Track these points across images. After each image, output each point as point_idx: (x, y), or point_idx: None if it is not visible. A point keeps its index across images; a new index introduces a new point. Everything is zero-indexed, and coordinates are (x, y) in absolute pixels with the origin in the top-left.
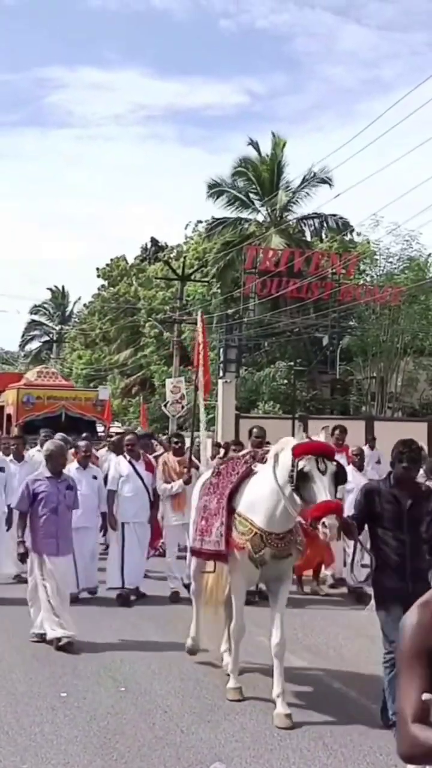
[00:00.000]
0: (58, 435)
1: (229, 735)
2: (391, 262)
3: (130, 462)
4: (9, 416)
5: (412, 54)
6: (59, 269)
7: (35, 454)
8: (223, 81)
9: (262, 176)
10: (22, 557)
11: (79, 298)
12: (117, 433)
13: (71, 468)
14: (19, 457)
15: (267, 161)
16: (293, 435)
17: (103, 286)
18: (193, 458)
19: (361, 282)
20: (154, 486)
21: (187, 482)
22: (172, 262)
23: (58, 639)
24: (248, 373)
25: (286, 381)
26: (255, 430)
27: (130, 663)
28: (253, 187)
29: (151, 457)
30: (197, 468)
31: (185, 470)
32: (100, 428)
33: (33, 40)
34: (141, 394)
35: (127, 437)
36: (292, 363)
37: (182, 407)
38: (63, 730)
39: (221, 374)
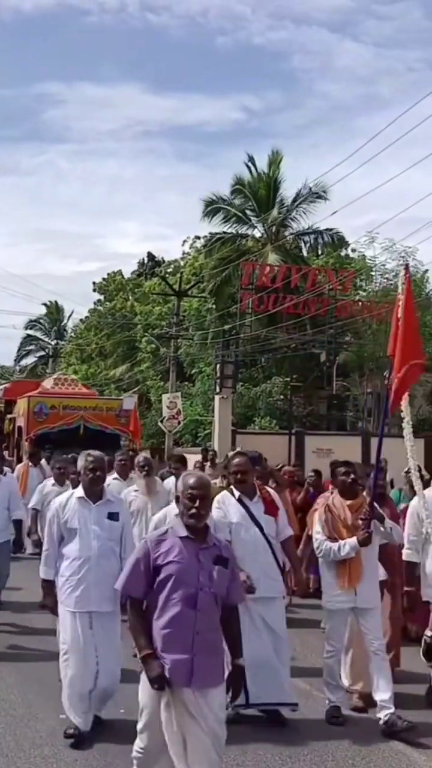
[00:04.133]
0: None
1: (231, 759)
2: (387, 278)
3: (240, 500)
4: (20, 428)
5: (408, 71)
6: (55, 284)
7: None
8: (220, 97)
9: (259, 193)
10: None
11: (72, 312)
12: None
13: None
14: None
15: (264, 178)
16: (289, 450)
17: (99, 300)
18: (376, 506)
19: (357, 298)
20: (280, 539)
21: (365, 543)
22: (169, 278)
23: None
24: (245, 389)
25: (282, 397)
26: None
27: (129, 685)
28: (250, 203)
29: (272, 491)
30: (382, 520)
31: (362, 521)
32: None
33: (32, 56)
34: (137, 409)
35: (236, 460)
36: (288, 379)
37: (178, 422)
38: (63, 753)
39: (217, 390)
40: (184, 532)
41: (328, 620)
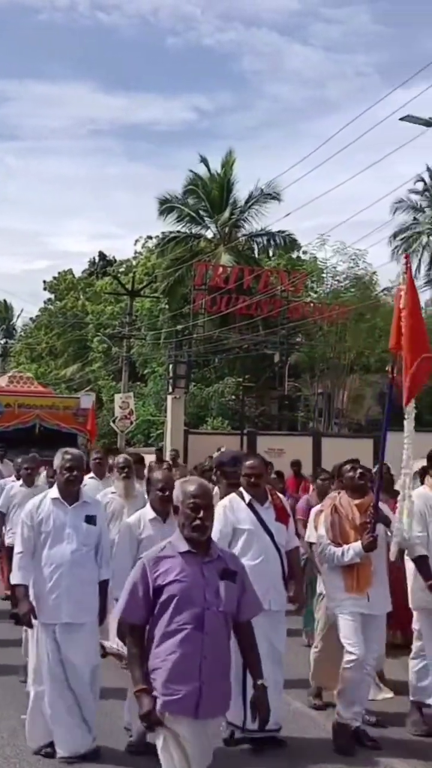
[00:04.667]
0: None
1: None
2: (338, 281)
3: (250, 505)
4: None
5: (356, 75)
6: (3, 282)
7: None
8: (171, 97)
9: (212, 194)
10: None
11: (22, 311)
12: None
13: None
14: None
15: (217, 179)
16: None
17: (50, 299)
18: (381, 506)
19: (309, 300)
20: (287, 548)
21: (370, 548)
22: (121, 277)
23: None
24: (197, 389)
25: (234, 397)
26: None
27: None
28: (203, 204)
29: (282, 496)
30: (388, 524)
31: (368, 523)
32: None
33: None
34: (95, 408)
35: (249, 462)
36: (240, 379)
37: (131, 423)
38: (25, 753)
39: (170, 390)
40: (184, 547)
41: (340, 628)
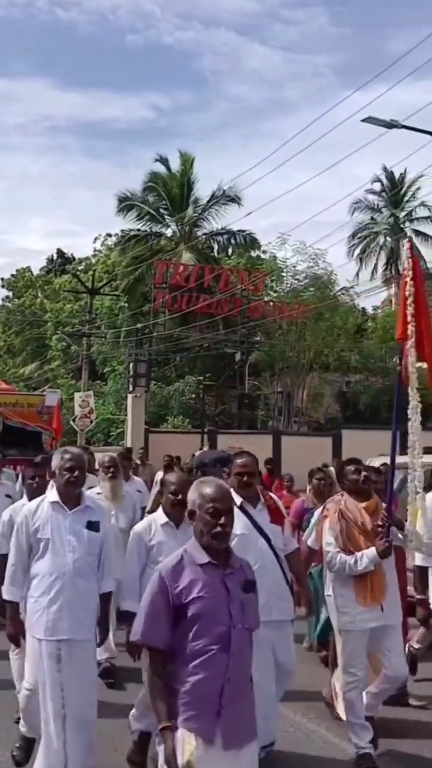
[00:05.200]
0: None
1: None
2: (297, 280)
3: (242, 508)
4: None
5: (314, 75)
6: None
7: None
8: (130, 95)
9: (172, 192)
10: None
11: None
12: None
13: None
14: None
15: (177, 177)
16: (201, 449)
17: (7, 297)
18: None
19: (269, 299)
20: (286, 552)
21: (385, 554)
22: (81, 275)
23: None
24: (158, 388)
25: (194, 395)
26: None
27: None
28: (164, 202)
29: (274, 496)
30: (401, 527)
31: (380, 529)
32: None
33: None
34: (61, 406)
35: (241, 460)
36: (201, 378)
37: (91, 421)
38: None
39: (130, 389)
40: (205, 558)
41: (344, 645)
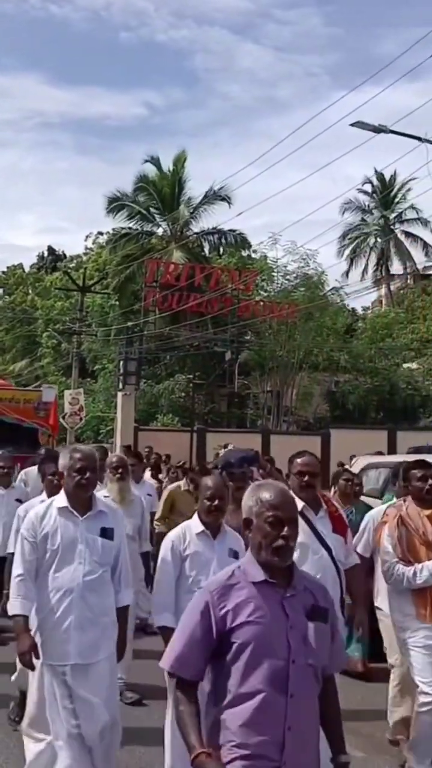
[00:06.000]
0: None
1: None
2: (288, 280)
3: (302, 513)
4: None
5: (306, 75)
6: None
7: None
8: (122, 92)
9: (163, 191)
10: None
11: None
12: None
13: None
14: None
15: (168, 176)
16: (191, 447)
17: None
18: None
19: (259, 298)
20: (346, 566)
21: None
22: (72, 273)
23: None
24: (147, 386)
25: (184, 394)
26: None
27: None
28: (154, 201)
29: (336, 503)
30: None
31: None
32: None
33: None
34: (57, 402)
35: (302, 459)
36: (191, 376)
37: (80, 419)
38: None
39: (120, 386)
40: (261, 575)
41: (412, 662)
